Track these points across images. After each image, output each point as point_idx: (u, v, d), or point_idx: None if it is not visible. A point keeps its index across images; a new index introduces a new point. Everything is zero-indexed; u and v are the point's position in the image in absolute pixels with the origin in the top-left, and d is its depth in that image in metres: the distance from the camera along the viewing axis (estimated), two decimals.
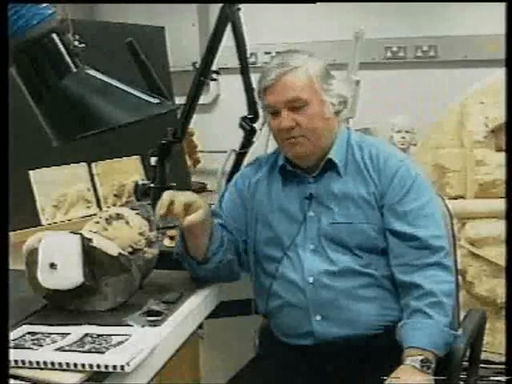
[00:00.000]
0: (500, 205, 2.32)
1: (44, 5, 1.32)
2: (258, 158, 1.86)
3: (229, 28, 2.03)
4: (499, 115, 2.74)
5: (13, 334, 1.30)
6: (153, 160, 2.05)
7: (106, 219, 1.61)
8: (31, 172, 2.24)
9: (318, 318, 1.63)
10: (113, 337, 1.29)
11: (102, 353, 1.20)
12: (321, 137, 1.67)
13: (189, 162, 3.28)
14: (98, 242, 1.51)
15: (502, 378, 2.56)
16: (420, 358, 1.48)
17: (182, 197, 1.59)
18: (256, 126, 2.27)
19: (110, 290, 1.52)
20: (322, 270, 1.63)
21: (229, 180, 2.38)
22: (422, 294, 1.55)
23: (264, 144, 1.95)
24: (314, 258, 1.64)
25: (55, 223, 2.27)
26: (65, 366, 1.16)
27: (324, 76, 1.67)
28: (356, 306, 1.61)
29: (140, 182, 2.17)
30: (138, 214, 1.69)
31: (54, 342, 1.26)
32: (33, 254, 1.50)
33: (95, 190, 2.44)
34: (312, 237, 1.66)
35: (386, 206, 1.64)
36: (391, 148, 1.82)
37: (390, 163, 1.66)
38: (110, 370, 1.15)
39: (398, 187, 1.63)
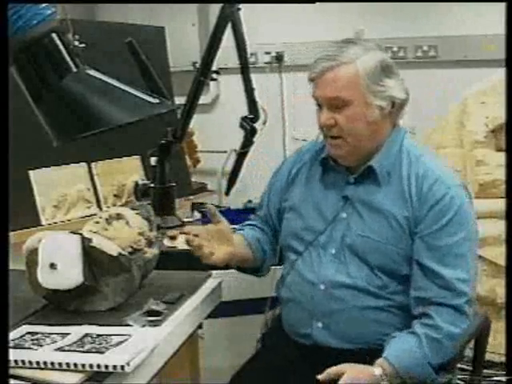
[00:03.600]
0: (500, 205, 2.32)
1: (44, 5, 1.32)
2: (303, 148, 1.80)
3: (229, 28, 2.03)
4: (499, 115, 2.74)
5: (13, 334, 1.30)
6: (153, 160, 2.05)
7: (106, 219, 1.61)
8: (31, 172, 2.24)
9: (320, 324, 1.60)
10: (113, 337, 1.29)
11: (102, 353, 1.20)
12: (361, 141, 1.58)
13: (189, 162, 3.28)
14: (98, 241, 1.51)
15: (502, 378, 2.56)
16: (386, 376, 1.45)
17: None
18: (256, 125, 2.27)
19: (110, 290, 1.52)
20: (335, 281, 1.59)
21: (229, 180, 2.38)
22: (429, 325, 1.50)
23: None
24: (332, 265, 1.60)
25: (55, 223, 2.27)
26: (65, 366, 1.16)
27: (375, 75, 1.55)
28: (361, 325, 1.58)
29: (140, 182, 2.17)
30: (137, 213, 1.69)
31: (53, 342, 1.26)
32: (33, 254, 1.50)
33: (95, 190, 2.44)
34: (336, 239, 1.61)
35: (419, 234, 1.54)
36: (443, 170, 1.61)
37: (435, 189, 1.54)
38: (110, 369, 1.15)
39: (436, 218, 1.53)
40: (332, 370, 1.45)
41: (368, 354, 1.54)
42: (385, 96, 1.56)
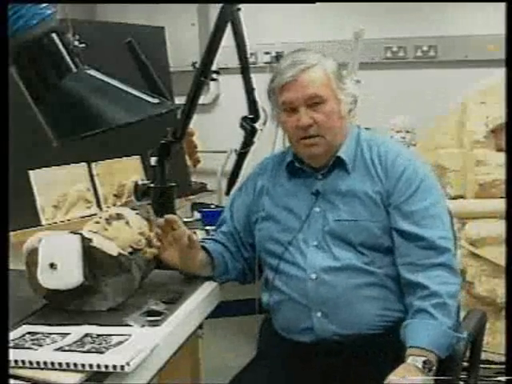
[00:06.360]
0: (500, 205, 2.32)
1: (44, 5, 1.32)
2: (265, 160, 1.88)
3: (229, 28, 2.03)
4: (499, 115, 2.74)
5: (13, 334, 1.30)
6: (153, 160, 2.05)
7: (106, 219, 1.61)
8: (31, 172, 2.24)
9: (319, 314, 1.63)
10: (113, 337, 1.29)
11: (102, 353, 1.20)
12: (336, 135, 1.68)
13: (189, 162, 3.28)
14: (98, 241, 1.51)
15: (502, 378, 2.56)
16: (422, 358, 1.46)
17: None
18: (257, 125, 2.27)
19: (109, 289, 1.52)
20: (324, 266, 1.63)
21: (229, 180, 2.38)
22: (427, 295, 1.54)
23: (271, 143, 1.96)
24: (317, 254, 1.65)
25: (55, 223, 2.26)
26: (65, 366, 1.16)
27: (338, 75, 1.69)
28: (357, 305, 1.61)
29: (140, 182, 2.16)
30: (137, 214, 1.69)
31: (53, 341, 1.26)
32: (33, 253, 1.50)
33: (95, 190, 2.44)
34: (315, 233, 1.66)
35: (392, 205, 1.63)
36: (400, 147, 1.80)
37: (398, 162, 1.66)
38: (110, 369, 1.15)
39: (404, 187, 1.63)
40: None
41: (371, 341, 1.58)
42: (348, 93, 1.70)
